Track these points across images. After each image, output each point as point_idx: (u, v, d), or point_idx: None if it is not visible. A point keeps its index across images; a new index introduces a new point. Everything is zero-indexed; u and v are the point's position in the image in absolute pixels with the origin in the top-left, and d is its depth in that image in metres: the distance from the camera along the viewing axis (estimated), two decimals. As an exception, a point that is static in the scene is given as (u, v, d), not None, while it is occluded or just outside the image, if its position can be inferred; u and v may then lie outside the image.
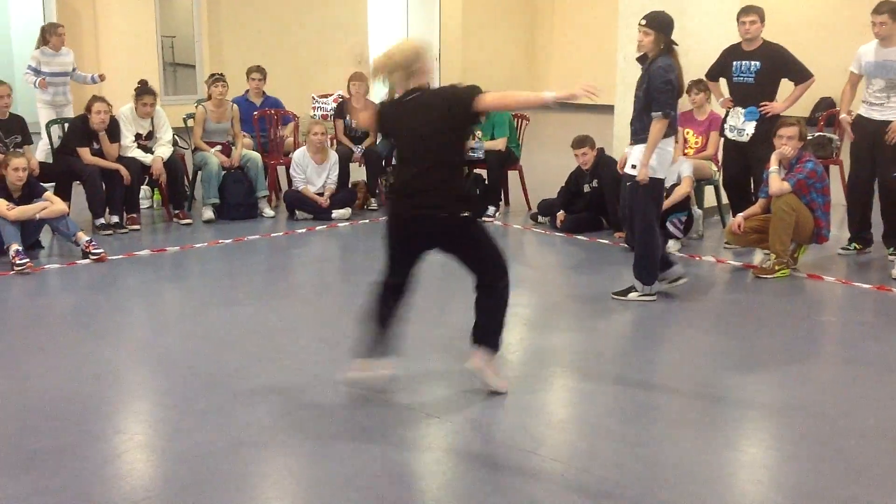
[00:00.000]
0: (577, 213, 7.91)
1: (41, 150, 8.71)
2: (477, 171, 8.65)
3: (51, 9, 13.87)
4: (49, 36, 9.55)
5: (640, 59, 5.79)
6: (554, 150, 11.40)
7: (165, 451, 3.86)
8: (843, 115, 6.95)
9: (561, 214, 7.90)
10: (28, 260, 6.50)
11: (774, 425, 4.18)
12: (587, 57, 18.41)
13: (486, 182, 8.61)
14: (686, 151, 7.75)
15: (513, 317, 5.81)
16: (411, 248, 4.36)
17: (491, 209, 8.46)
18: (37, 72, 9.39)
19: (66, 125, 8.48)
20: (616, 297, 5.91)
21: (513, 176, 8.89)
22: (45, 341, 5.22)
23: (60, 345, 5.17)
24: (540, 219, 8.23)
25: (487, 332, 4.37)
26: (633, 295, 5.87)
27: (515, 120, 8.92)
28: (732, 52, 7.17)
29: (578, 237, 7.69)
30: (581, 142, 7.85)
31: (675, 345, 5.32)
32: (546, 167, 10.17)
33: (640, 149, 5.61)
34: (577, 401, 4.53)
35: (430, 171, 4.14)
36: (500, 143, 8.52)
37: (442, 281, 5.86)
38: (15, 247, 6.48)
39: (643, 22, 5.65)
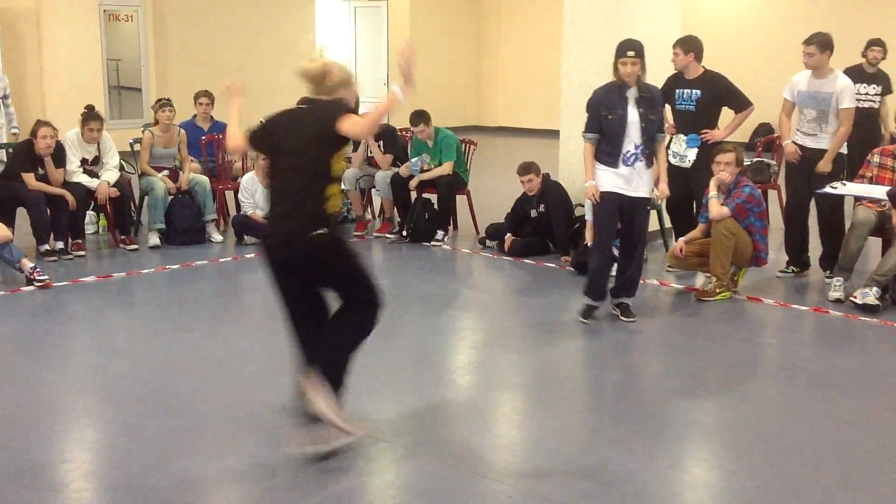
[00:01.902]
0: (525, 237, 8.01)
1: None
2: (426, 195, 8.73)
3: (-7, 30, 13.69)
4: None
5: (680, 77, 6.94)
6: (501, 174, 11.52)
7: (113, 480, 3.84)
8: (787, 142, 7.11)
9: (508, 238, 8.00)
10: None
11: (717, 445, 4.28)
12: (533, 80, 18.66)
13: (435, 206, 8.68)
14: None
15: (461, 340, 5.92)
16: (288, 284, 4.01)
17: (440, 233, 8.53)
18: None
19: (10, 150, 8.38)
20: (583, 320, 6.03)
21: (461, 200, 8.98)
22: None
23: (4, 372, 5.11)
24: (488, 243, 8.32)
25: (329, 359, 3.97)
26: (596, 313, 6.07)
27: (463, 144, 9.01)
28: (675, 81, 7.35)
29: (526, 261, 7.78)
30: (526, 168, 7.96)
31: (621, 366, 5.41)
32: (493, 191, 10.26)
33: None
34: (525, 423, 4.60)
35: (290, 192, 3.87)
36: (447, 168, 8.60)
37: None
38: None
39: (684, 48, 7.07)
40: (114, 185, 8.09)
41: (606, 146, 5.82)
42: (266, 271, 4.00)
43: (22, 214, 7.81)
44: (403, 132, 9.47)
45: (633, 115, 5.75)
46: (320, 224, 3.82)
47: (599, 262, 6.00)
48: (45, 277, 6.79)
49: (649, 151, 5.84)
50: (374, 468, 3.99)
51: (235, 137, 4.33)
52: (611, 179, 5.82)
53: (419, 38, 18.53)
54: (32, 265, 6.83)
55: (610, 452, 4.10)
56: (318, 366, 3.91)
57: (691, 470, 4.03)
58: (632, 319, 6.00)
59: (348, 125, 3.80)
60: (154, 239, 8.25)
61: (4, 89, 9.57)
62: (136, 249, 8.12)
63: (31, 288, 6.71)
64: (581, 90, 8.18)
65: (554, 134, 8.88)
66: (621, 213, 5.93)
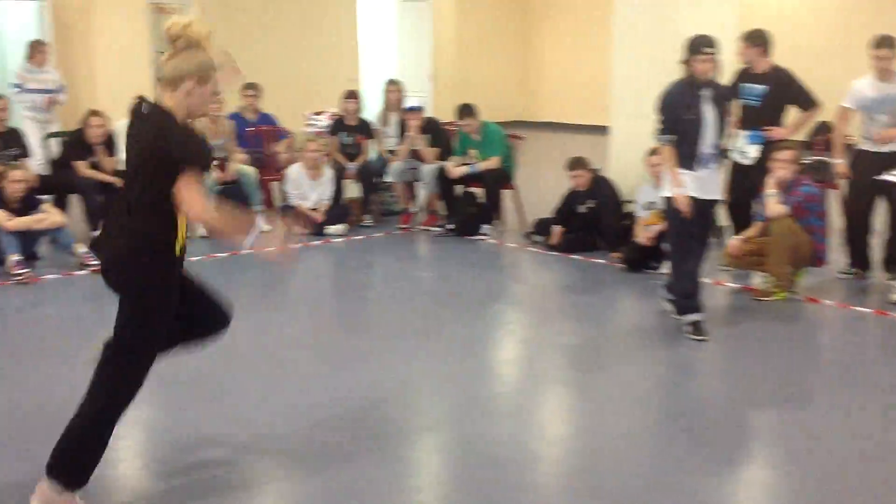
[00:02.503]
0: (573, 232, 7.95)
1: (39, 163, 8.71)
2: (471, 189, 8.70)
3: (44, 24, 13.87)
4: (33, 52, 9.59)
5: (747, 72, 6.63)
6: (547, 169, 11.46)
7: (165, 462, 3.86)
8: (839, 162, 6.92)
9: (558, 229, 7.91)
10: (26, 270, 6.50)
11: (774, 448, 4.20)
12: (581, 75, 18.50)
13: (481, 200, 8.65)
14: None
15: (507, 334, 5.88)
16: None
17: (486, 228, 8.50)
18: (19, 87, 9.43)
19: (63, 138, 8.50)
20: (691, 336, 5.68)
21: (507, 195, 8.93)
22: (42, 350, 5.21)
23: (59, 354, 5.17)
24: (535, 237, 8.26)
25: (60, 448, 3.27)
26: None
27: (509, 139, 8.97)
28: (742, 75, 7.19)
29: (573, 256, 7.72)
30: (576, 163, 7.89)
31: (671, 364, 5.34)
32: (540, 186, 10.21)
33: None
34: (574, 418, 4.55)
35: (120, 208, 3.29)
36: (494, 162, 8.56)
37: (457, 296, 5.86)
38: (14, 257, 6.49)
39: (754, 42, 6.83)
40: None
41: (684, 148, 5.47)
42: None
43: (75, 201, 7.92)
44: (448, 126, 9.44)
45: (709, 114, 5.44)
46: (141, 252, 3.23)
47: (683, 275, 5.62)
48: (97, 262, 6.85)
49: (719, 152, 5.59)
50: (420, 458, 3.98)
51: None
52: (690, 184, 5.46)
53: (465, 32, 18.51)
54: (85, 250, 6.91)
55: (660, 449, 4.04)
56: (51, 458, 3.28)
57: (744, 472, 3.97)
58: (703, 338, 5.61)
59: (185, 194, 3.11)
60: (202, 228, 8.30)
61: (56, 80, 9.69)
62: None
63: (83, 272, 6.78)
64: (630, 86, 8.14)
65: (601, 129, 8.82)
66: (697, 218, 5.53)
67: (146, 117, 3.28)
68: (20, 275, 6.42)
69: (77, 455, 3.26)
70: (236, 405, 4.43)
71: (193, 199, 3.12)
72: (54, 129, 9.37)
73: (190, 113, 3.29)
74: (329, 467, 3.78)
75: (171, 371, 4.79)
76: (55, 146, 8.59)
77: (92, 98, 14.07)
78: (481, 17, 18.91)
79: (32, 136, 8.76)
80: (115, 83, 13.82)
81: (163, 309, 3.30)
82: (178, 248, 3.28)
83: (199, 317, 3.60)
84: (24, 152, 7.74)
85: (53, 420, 4.13)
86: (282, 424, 4.22)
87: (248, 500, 3.52)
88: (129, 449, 3.97)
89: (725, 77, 6.80)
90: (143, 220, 3.20)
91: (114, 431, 3.31)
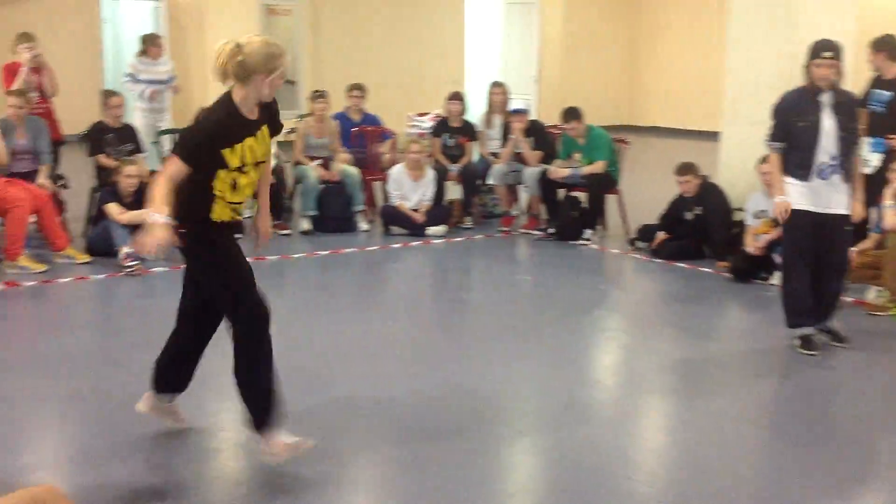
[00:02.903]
0: (678, 239, 7.76)
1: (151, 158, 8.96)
2: (574, 193, 8.59)
3: (160, 23, 14.33)
4: (148, 45, 9.83)
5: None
6: (653, 175, 11.25)
7: (252, 451, 3.90)
8: None
9: (661, 234, 7.74)
10: (136, 262, 6.69)
11: (886, 471, 4.01)
12: (692, 79, 18.11)
13: (584, 204, 8.53)
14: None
15: (607, 340, 5.78)
16: None
17: (588, 232, 8.37)
18: (134, 79, 9.67)
19: (178, 135, 8.72)
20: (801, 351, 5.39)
21: (611, 200, 8.79)
22: (149, 340, 5.33)
23: (163, 343, 5.28)
24: (638, 244, 8.11)
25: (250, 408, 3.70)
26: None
27: (614, 143, 8.83)
28: (874, 81, 6.91)
29: (678, 264, 7.54)
30: (685, 169, 7.70)
31: (777, 377, 5.15)
32: (645, 192, 10.02)
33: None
34: (673, 427, 4.43)
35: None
36: (598, 167, 8.43)
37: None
38: (125, 250, 6.68)
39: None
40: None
41: (796, 157, 5.24)
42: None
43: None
44: (552, 129, 9.35)
45: (828, 122, 5.17)
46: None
47: (792, 288, 5.37)
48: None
49: (849, 164, 5.28)
50: (514, 462, 3.92)
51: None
52: (801, 195, 5.23)
53: (572, 34, 18.34)
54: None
55: (762, 465, 3.90)
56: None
57: (856, 496, 3.78)
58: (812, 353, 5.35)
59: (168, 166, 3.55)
60: (305, 225, 8.43)
61: (169, 72, 9.92)
62: (289, 234, 8.33)
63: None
64: (743, 91, 7.91)
65: (711, 135, 8.60)
66: (816, 232, 5.29)
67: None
68: (131, 267, 6.62)
69: (265, 406, 3.65)
70: (328, 403, 4.45)
71: (165, 175, 3.50)
72: (166, 123, 9.61)
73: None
74: (420, 467, 3.76)
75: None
76: (168, 143, 8.82)
77: (204, 96, 14.48)
78: (589, 19, 18.71)
79: (144, 130, 8.99)
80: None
81: (227, 265, 3.67)
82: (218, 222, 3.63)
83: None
84: (137, 148, 7.97)
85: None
86: (374, 422, 4.22)
87: (341, 496, 3.52)
88: (229, 440, 4.03)
89: (854, 84, 6.56)
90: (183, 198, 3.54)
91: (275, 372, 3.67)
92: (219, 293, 3.72)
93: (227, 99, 3.64)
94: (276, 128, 3.84)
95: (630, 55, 19.59)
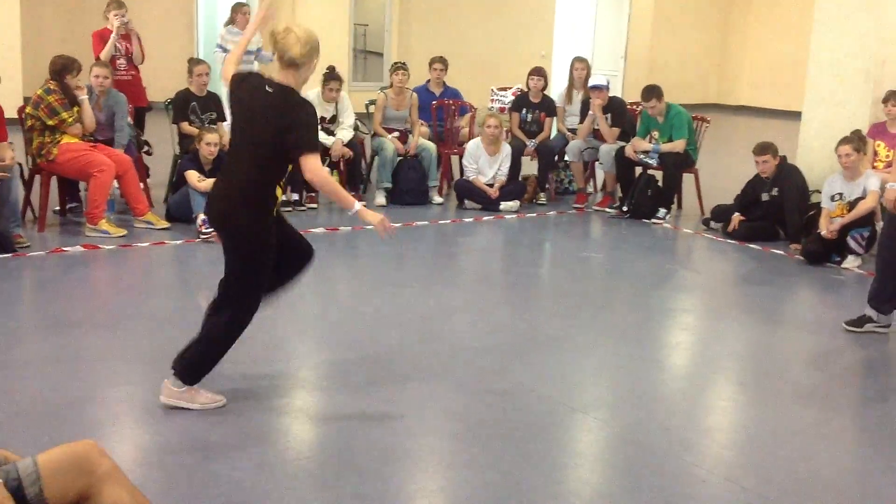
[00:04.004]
0: (754, 221, 7.63)
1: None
2: (650, 172, 8.50)
3: (254, -6, 14.57)
4: (236, 15, 9.99)
5: None
6: (734, 154, 11.05)
7: (320, 420, 4.03)
8: None
9: (735, 217, 7.62)
10: (212, 230, 6.88)
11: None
12: (783, 60, 17.66)
13: (660, 183, 8.44)
14: (875, 164, 7.35)
15: (672, 320, 5.74)
16: None
17: (662, 211, 8.30)
18: (224, 49, 9.84)
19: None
20: (850, 328, 5.38)
21: (687, 179, 8.68)
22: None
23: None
24: (713, 224, 8.00)
25: (182, 358, 3.96)
26: (868, 326, 5.34)
27: (695, 122, 8.70)
28: None
29: (751, 245, 7.42)
30: (763, 148, 7.55)
31: (843, 364, 5.07)
32: (724, 172, 9.87)
33: None
34: (731, 410, 4.40)
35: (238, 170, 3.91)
36: (678, 146, 8.32)
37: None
38: (202, 216, 6.87)
39: None
40: (347, 144, 8.43)
41: None
42: None
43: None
44: (633, 106, 9.25)
45: None
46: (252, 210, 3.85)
47: (883, 281, 5.24)
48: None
49: None
50: (575, 438, 3.96)
51: (228, 66, 4.18)
52: None
53: (662, 11, 18.02)
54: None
55: (819, 449, 3.86)
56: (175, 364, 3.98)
57: (911, 481, 3.72)
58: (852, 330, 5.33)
59: (310, 166, 3.75)
60: (381, 198, 8.55)
61: (258, 43, 10.04)
62: (364, 206, 8.42)
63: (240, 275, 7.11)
64: (829, 71, 7.71)
65: (795, 116, 8.40)
66: None
67: (274, 94, 3.84)
68: (207, 233, 6.81)
69: (195, 367, 3.96)
70: (391, 375, 4.55)
71: (317, 173, 3.78)
72: None
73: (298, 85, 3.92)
74: (479, 440, 3.83)
75: (334, 332, 4.99)
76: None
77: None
78: (681, -4, 18.37)
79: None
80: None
81: (266, 260, 3.89)
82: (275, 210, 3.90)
83: (289, 257, 4.11)
84: (220, 116, 8.18)
85: (222, 361, 4.41)
86: (436, 395, 4.30)
87: (404, 467, 3.62)
88: (291, 406, 4.17)
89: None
90: (252, 182, 3.85)
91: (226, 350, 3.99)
92: (242, 278, 3.89)
93: (292, 88, 3.88)
94: None
95: (721, 33, 19.18)
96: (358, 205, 3.86)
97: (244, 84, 3.96)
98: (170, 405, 3.93)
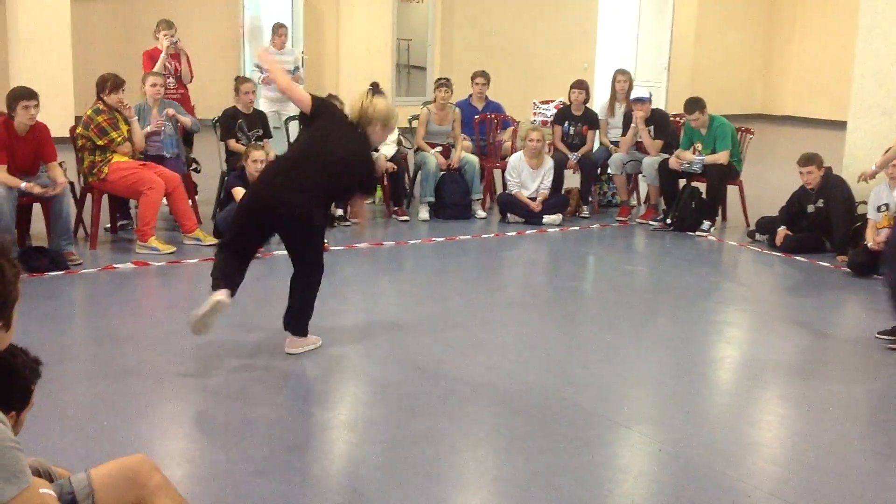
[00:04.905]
0: (799, 232, 7.57)
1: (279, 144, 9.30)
2: (695, 183, 8.47)
3: (298, 10, 14.78)
4: (273, 35, 10.15)
5: None
6: (779, 165, 10.95)
7: (363, 434, 4.08)
8: None
9: (781, 231, 7.57)
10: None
11: None
12: (826, 70, 17.48)
13: (704, 195, 8.40)
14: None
15: (716, 334, 5.72)
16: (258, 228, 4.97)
17: (706, 223, 8.26)
18: (259, 68, 9.97)
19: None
20: (881, 336, 5.36)
21: (732, 191, 8.63)
22: (267, 319, 5.61)
23: (281, 324, 5.56)
24: (758, 236, 7.94)
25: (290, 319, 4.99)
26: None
27: (739, 133, 8.65)
28: None
29: (798, 258, 7.36)
30: (808, 160, 7.50)
31: (892, 373, 5.00)
32: (769, 183, 9.79)
33: None
34: (777, 424, 4.37)
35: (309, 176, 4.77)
36: (722, 157, 8.29)
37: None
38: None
39: None
40: (391, 159, 8.51)
41: None
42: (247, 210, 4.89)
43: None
44: (676, 119, 9.23)
45: None
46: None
47: None
48: (325, 241, 7.25)
49: None
50: (616, 452, 3.96)
51: (298, 88, 5.28)
52: None
53: (705, 21, 17.94)
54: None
55: (867, 464, 3.82)
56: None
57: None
58: (882, 338, 5.30)
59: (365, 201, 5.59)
60: (424, 212, 8.61)
61: (295, 62, 10.19)
62: (407, 220, 8.52)
63: (316, 249, 7.18)
64: (874, 80, 7.63)
65: (841, 125, 8.32)
66: None
67: (358, 133, 4.94)
68: (255, 249, 6.91)
69: (301, 321, 5.00)
70: (433, 387, 4.59)
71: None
72: (290, 111, 9.83)
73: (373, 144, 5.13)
74: (518, 453, 3.85)
75: (378, 345, 5.04)
76: (294, 129, 9.14)
77: (336, 80, 14.91)
78: (724, 6, 18.26)
79: (271, 117, 9.28)
80: (358, 68, 14.54)
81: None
82: None
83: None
84: (266, 133, 8.31)
85: (271, 376, 4.48)
86: (475, 407, 4.33)
87: (441, 478, 3.65)
88: (336, 419, 4.23)
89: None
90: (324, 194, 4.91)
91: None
92: (316, 251, 4.97)
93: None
94: None
95: (764, 44, 19.03)
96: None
97: (330, 107, 5.05)
98: (297, 353, 4.88)
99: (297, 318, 4.95)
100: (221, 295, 4.64)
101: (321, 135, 4.88)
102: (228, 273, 4.79)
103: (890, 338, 5.31)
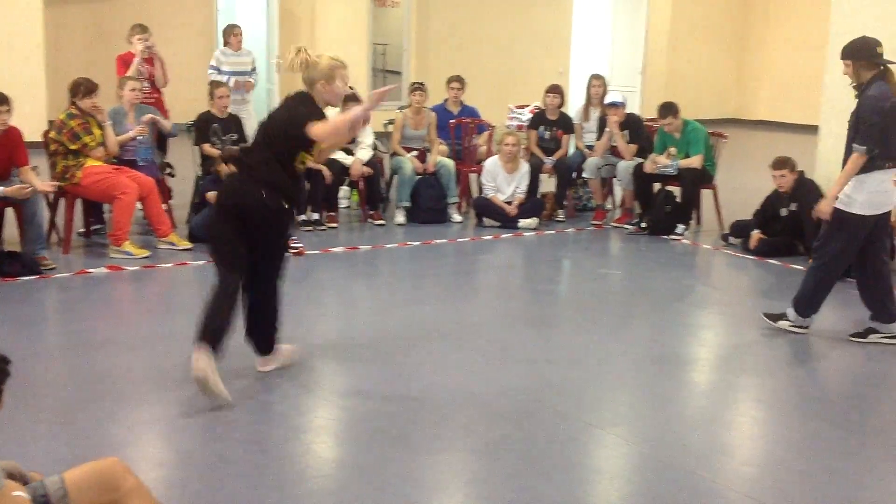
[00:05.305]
0: (773, 236, 7.64)
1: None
2: (669, 187, 8.53)
3: (273, 14, 14.74)
4: (228, 37, 10.09)
5: (856, 88, 5.47)
6: (753, 169, 11.05)
7: (339, 438, 4.07)
8: None
9: (755, 235, 7.64)
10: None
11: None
12: (798, 75, 17.64)
13: (678, 199, 8.46)
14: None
15: (692, 337, 5.76)
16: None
17: (680, 227, 8.31)
18: (218, 70, 9.91)
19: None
20: (766, 317, 5.68)
21: (706, 195, 8.69)
22: (239, 324, 5.59)
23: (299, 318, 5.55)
24: (731, 240, 8.00)
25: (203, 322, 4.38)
26: (782, 322, 5.61)
27: (712, 138, 8.72)
28: None
29: (771, 261, 7.43)
30: (781, 163, 7.57)
31: (865, 381, 5.06)
32: (743, 187, 9.87)
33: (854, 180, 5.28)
34: (752, 426, 4.41)
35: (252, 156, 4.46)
36: (695, 161, 8.34)
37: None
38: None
39: (841, 55, 5.41)
40: (367, 164, 8.51)
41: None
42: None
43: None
44: (650, 123, 9.29)
45: None
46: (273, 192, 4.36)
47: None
48: (300, 245, 7.26)
49: (844, 156, 5.38)
50: (591, 454, 3.98)
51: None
52: None
53: (679, 26, 18.06)
54: (289, 234, 7.31)
55: (839, 464, 3.86)
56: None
57: (930, 496, 3.72)
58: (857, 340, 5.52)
59: (315, 130, 4.23)
60: (400, 217, 8.61)
61: (251, 63, 10.11)
62: (383, 225, 8.51)
63: (286, 255, 7.16)
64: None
65: (813, 130, 8.40)
66: None
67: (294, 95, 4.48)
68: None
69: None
70: (410, 392, 4.58)
71: (321, 130, 4.24)
72: (247, 114, 9.65)
73: (328, 102, 4.45)
74: (494, 456, 3.86)
75: (354, 350, 5.04)
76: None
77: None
78: (697, 11, 18.39)
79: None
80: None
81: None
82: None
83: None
84: (241, 137, 8.28)
85: (242, 379, 4.47)
86: (452, 411, 4.33)
87: (415, 480, 3.65)
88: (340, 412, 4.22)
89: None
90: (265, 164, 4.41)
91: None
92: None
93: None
94: None
95: (737, 48, 19.18)
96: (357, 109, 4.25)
97: None
98: (270, 370, 4.65)
99: (272, 334, 4.69)
100: (202, 365, 4.14)
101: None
102: (221, 326, 4.30)
103: (862, 340, 5.44)
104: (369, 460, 3.78)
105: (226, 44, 10.12)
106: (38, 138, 7.51)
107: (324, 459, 3.91)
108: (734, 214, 8.32)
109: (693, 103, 15.31)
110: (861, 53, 5.32)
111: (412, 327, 5.59)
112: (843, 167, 5.37)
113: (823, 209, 5.35)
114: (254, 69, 10.12)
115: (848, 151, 5.35)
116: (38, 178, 6.67)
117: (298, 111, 4.32)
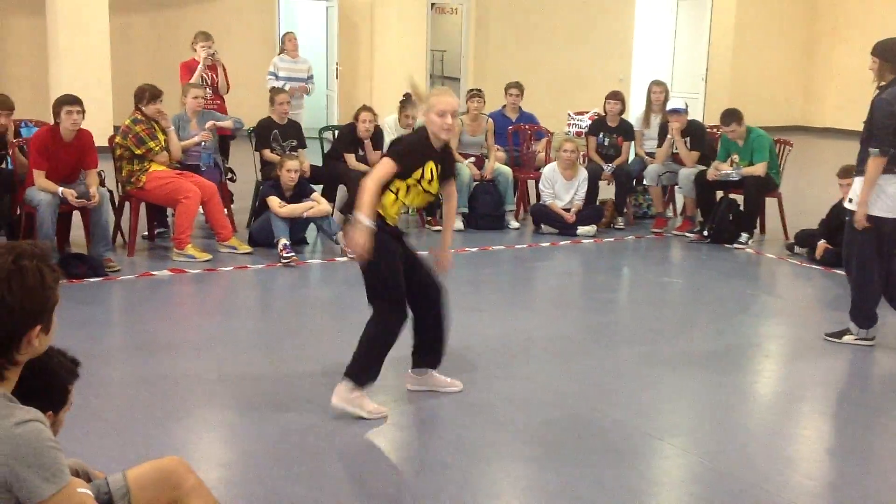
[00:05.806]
0: (839, 246, 7.46)
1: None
2: (732, 195, 8.39)
3: (333, 22, 14.88)
4: (285, 43, 10.25)
5: (878, 88, 5.40)
6: (819, 178, 10.84)
7: (397, 448, 4.07)
8: None
9: (821, 245, 7.48)
10: (294, 254, 7.04)
11: None
12: (867, 81, 17.21)
13: (741, 207, 8.32)
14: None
15: (753, 347, 5.65)
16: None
17: (744, 236, 8.17)
18: (275, 76, 10.03)
19: (335, 133, 9.05)
20: (829, 338, 5.55)
21: (771, 203, 8.54)
22: (300, 327, 5.64)
23: (318, 332, 5.59)
24: (797, 249, 7.84)
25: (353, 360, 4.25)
26: (847, 338, 5.48)
27: (777, 145, 8.56)
28: None
29: (838, 271, 7.24)
30: (848, 172, 7.35)
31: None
32: (809, 196, 9.69)
33: (860, 182, 5.24)
34: (815, 439, 4.31)
35: None
36: (759, 169, 8.20)
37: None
38: (283, 241, 7.04)
39: (872, 51, 5.33)
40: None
41: None
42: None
43: (343, 191, 8.43)
44: (712, 130, 9.16)
45: None
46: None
47: None
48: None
49: (858, 158, 5.32)
50: (650, 465, 3.92)
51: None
52: None
53: (743, 32, 17.79)
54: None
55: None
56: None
57: None
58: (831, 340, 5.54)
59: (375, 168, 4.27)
60: (457, 222, 8.59)
61: (308, 70, 10.24)
62: (440, 231, 8.49)
63: (344, 259, 7.23)
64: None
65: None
66: None
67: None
68: (288, 258, 6.96)
69: (359, 367, 4.22)
70: (466, 399, 4.56)
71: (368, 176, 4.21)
72: (300, 120, 9.68)
73: (434, 134, 4.28)
74: (553, 465, 3.83)
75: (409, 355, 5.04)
76: (329, 138, 9.18)
77: (369, 93, 14.97)
78: (762, 18, 18.10)
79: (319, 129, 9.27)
80: (392, 80, 14.58)
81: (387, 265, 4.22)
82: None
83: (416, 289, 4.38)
84: (301, 143, 8.35)
85: (301, 390, 4.49)
86: (510, 418, 4.31)
87: (476, 489, 3.64)
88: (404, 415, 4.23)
89: None
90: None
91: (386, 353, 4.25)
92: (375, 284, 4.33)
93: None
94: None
95: (803, 54, 18.82)
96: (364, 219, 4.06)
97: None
98: (339, 409, 4.16)
99: (354, 363, 4.27)
100: (339, 402, 4.18)
101: None
102: (376, 372, 4.29)
103: (837, 341, 5.47)
104: (425, 464, 3.77)
105: (283, 51, 10.28)
106: (104, 143, 7.66)
107: (381, 463, 3.90)
108: (799, 224, 8.15)
109: (758, 110, 15.08)
110: (890, 54, 5.28)
111: (469, 334, 5.57)
112: (856, 169, 5.34)
113: (859, 219, 5.25)
114: (310, 76, 10.24)
115: (862, 154, 5.28)
116: (95, 183, 6.79)
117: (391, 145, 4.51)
